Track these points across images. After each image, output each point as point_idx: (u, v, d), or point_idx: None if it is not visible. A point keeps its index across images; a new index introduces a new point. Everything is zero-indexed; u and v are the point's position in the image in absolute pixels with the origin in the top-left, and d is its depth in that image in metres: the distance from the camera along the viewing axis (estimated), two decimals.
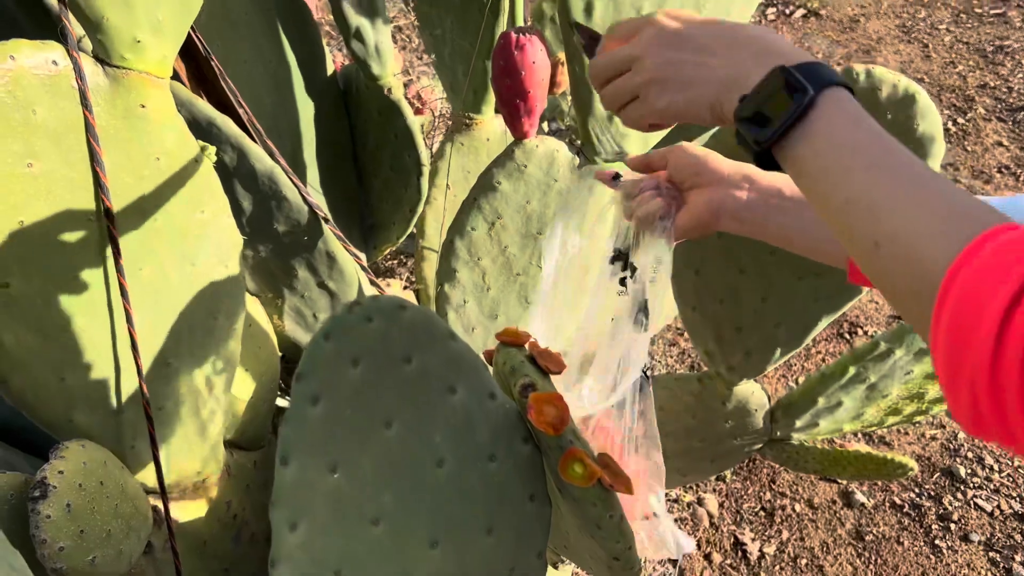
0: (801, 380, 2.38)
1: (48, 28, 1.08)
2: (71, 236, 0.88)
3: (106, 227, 0.90)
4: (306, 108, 1.36)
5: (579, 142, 1.18)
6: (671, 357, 2.48)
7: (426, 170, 1.40)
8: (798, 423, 1.32)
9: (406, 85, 2.33)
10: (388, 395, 0.69)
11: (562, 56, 1.61)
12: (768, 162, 0.53)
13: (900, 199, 0.42)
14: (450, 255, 1.25)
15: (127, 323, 0.95)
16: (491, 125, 1.56)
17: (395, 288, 1.70)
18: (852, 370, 1.23)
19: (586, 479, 0.69)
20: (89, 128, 0.86)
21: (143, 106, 0.91)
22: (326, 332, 0.65)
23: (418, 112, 2.39)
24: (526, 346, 0.76)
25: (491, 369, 0.82)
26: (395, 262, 2.51)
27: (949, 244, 0.38)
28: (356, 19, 1.24)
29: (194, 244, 1.01)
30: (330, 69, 1.42)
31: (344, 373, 0.67)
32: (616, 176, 0.76)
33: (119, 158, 0.90)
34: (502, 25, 1.41)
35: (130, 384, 0.98)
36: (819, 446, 1.35)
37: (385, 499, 0.69)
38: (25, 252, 0.84)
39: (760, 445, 1.38)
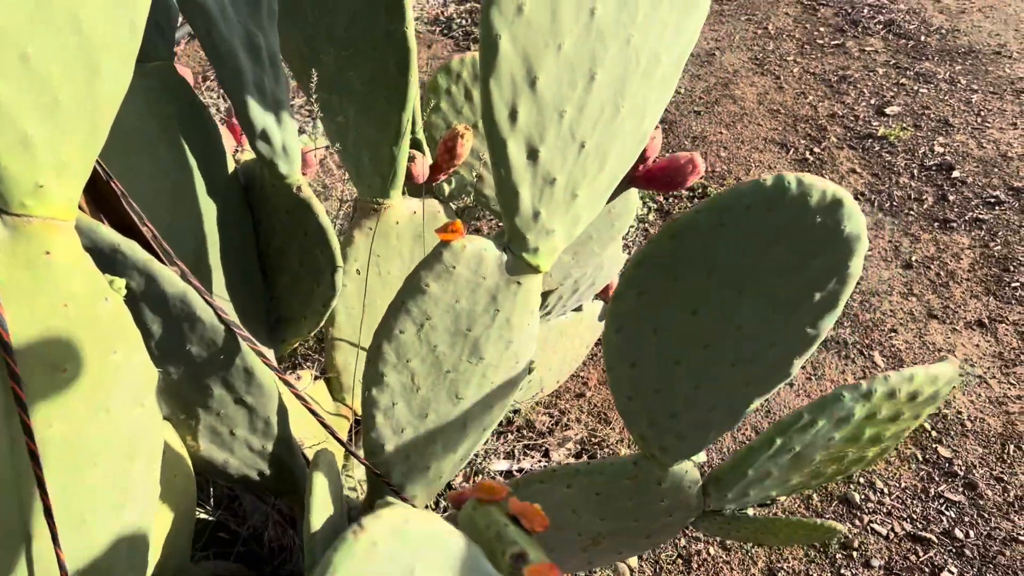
0: (748, 435, 2.46)
1: None
2: None
3: (11, 390, 0.81)
4: (208, 210, 1.28)
5: (506, 239, 1.16)
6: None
7: (341, 269, 1.34)
8: (729, 495, 1.34)
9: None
10: None
11: (460, 128, 1.59)
12: None
13: None
14: (377, 359, 1.20)
15: (39, 490, 0.85)
16: (399, 208, 1.51)
17: (306, 379, 1.62)
18: (778, 441, 1.26)
19: None
20: None
21: (48, 252, 0.82)
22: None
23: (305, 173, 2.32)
24: (507, 503, 0.72)
25: (460, 514, 0.79)
26: (303, 347, 2.41)
27: None
28: (262, 120, 1.17)
29: (107, 389, 0.92)
30: (231, 166, 1.34)
31: None
32: None
33: (23, 313, 0.81)
34: (408, 112, 1.38)
35: (45, 551, 0.88)
36: (750, 513, 1.38)
37: None
38: None
39: (694, 518, 1.39)
